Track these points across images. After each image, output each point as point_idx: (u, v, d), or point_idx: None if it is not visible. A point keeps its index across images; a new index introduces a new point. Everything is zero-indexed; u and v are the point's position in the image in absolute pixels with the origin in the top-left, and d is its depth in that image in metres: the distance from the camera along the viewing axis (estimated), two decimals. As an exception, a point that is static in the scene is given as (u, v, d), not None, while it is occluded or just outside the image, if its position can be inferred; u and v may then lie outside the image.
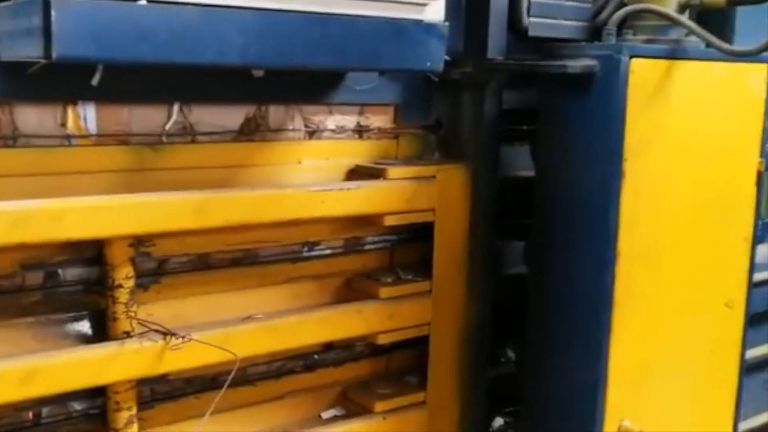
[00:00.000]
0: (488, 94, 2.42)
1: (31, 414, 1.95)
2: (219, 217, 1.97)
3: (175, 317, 2.10)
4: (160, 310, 2.08)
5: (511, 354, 2.88)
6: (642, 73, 2.12)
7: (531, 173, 2.69)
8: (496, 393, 2.79)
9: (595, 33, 2.63)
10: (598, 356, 2.27)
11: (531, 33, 2.50)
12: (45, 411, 1.98)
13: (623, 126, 2.10)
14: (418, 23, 1.96)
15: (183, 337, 1.93)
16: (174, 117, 2.10)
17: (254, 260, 2.25)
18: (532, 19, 2.50)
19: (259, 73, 2.11)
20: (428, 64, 2.00)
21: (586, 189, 2.19)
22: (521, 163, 2.73)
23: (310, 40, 1.79)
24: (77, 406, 2.02)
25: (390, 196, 2.27)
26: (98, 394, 1.99)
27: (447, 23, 2.01)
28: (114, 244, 1.90)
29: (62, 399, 1.96)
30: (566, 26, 2.58)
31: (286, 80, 2.22)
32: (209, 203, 1.95)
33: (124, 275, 1.92)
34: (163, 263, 2.10)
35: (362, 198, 2.21)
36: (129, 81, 1.97)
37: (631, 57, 2.09)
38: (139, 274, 2.04)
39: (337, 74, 2.29)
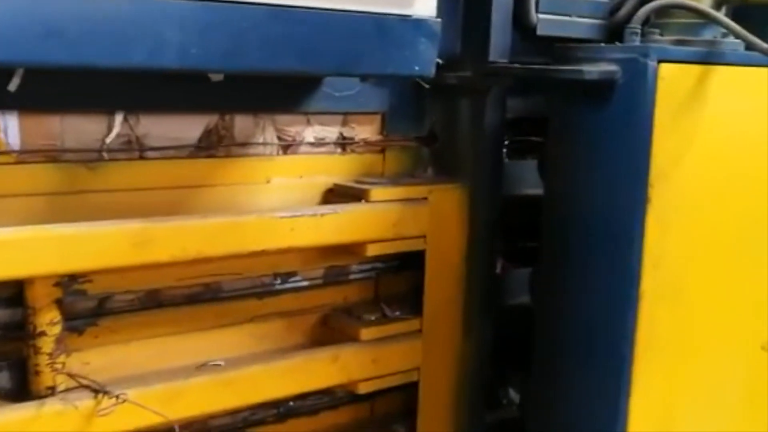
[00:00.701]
0: (490, 101, 2.08)
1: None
2: (164, 251, 1.63)
3: (116, 365, 1.77)
4: (98, 357, 1.76)
5: (513, 395, 2.56)
6: (672, 81, 1.78)
7: (537, 191, 2.38)
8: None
9: (612, 32, 2.30)
10: (616, 407, 1.94)
11: (540, 32, 2.16)
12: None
13: (649, 143, 1.77)
14: (405, 19, 1.63)
15: (117, 396, 1.59)
16: (116, 129, 1.77)
17: (213, 296, 1.93)
18: (541, 16, 2.16)
19: (217, 77, 1.78)
20: (416, 68, 1.66)
21: (604, 216, 1.85)
22: (525, 179, 2.40)
23: (268, 38, 1.45)
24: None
25: (373, 221, 1.93)
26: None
27: (439, 19, 1.67)
28: (35, 285, 1.57)
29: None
30: (580, 24, 2.24)
31: (255, 85, 1.89)
32: (152, 234, 1.61)
33: (49, 321, 1.59)
34: (102, 302, 1.78)
35: (339, 225, 1.88)
36: (60, 86, 1.64)
37: (660, 61, 1.75)
38: (71, 316, 1.72)
39: (312, 78, 1.95)
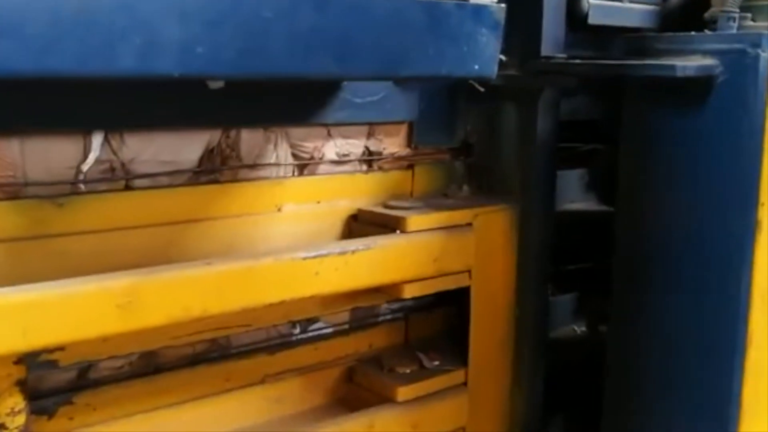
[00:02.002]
0: (542, 105, 1.73)
1: None
2: (159, 312, 1.25)
3: (98, 453, 1.40)
4: (75, 445, 1.38)
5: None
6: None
7: (584, 206, 2.05)
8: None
9: (665, 20, 1.97)
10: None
11: (591, 20, 1.82)
12: None
13: (760, 154, 1.43)
14: (462, 6, 1.27)
15: None
16: (95, 153, 1.39)
17: (221, 354, 1.57)
18: (591, 1, 1.81)
19: (217, 84, 1.39)
20: (476, 67, 1.30)
21: (702, 245, 1.51)
22: (569, 192, 2.07)
23: (297, 33, 1.08)
24: None
25: (411, 256, 1.57)
26: None
27: (503, 5, 1.32)
28: (-11, 364, 1.19)
29: None
30: (633, 11, 1.91)
31: (263, 93, 1.53)
32: (143, 291, 1.23)
33: (9, 410, 1.21)
34: (83, 373, 1.41)
35: (372, 263, 1.51)
36: (20, 101, 1.26)
37: (774, 53, 1.41)
38: (38, 395, 1.34)
39: (330, 83, 1.59)
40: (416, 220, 1.59)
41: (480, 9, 1.28)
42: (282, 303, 1.42)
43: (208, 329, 1.52)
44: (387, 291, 1.60)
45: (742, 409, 1.52)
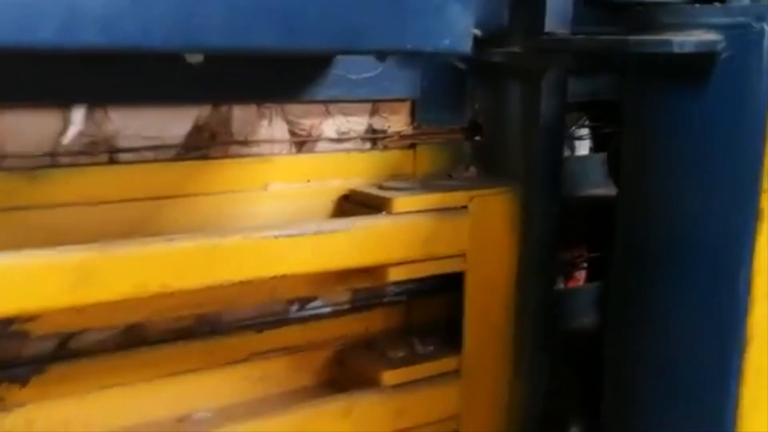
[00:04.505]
0: (547, 84, 1.64)
1: None
2: (115, 287, 1.25)
3: (69, 423, 1.42)
4: (47, 414, 1.40)
5: (575, 433, 2.14)
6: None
7: (601, 191, 1.96)
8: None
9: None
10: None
11: (602, -8, 1.71)
12: None
13: (763, 136, 1.31)
14: (429, -24, 1.21)
15: (54, 478, 1.23)
16: (76, 126, 1.40)
17: (204, 330, 1.56)
18: (604, -30, 1.70)
19: (196, 58, 1.37)
20: (446, 41, 1.23)
21: (697, 232, 1.40)
22: (589, 176, 1.98)
23: (234, 3, 1.05)
24: None
25: (396, 239, 1.52)
26: None
27: (474, -25, 1.25)
28: (-50, 331, 1.22)
29: None
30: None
31: (253, 69, 1.51)
32: (99, 265, 1.23)
33: (-29, 376, 1.24)
34: (60, 344, 1.43)
35: (352, 245, 1.47)
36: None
37: (780, 27, 1.29)
38: (11, 363, 1.36)
39: (319, 59, 1.55)
40: (403, 202, 1.54)
41: (448, -20, 1.22)
42: (256, 282, 1.40)
43: (191, 305, 1.51)
44: (372, 273, 1.55)
45: (741, 408, 1.42)
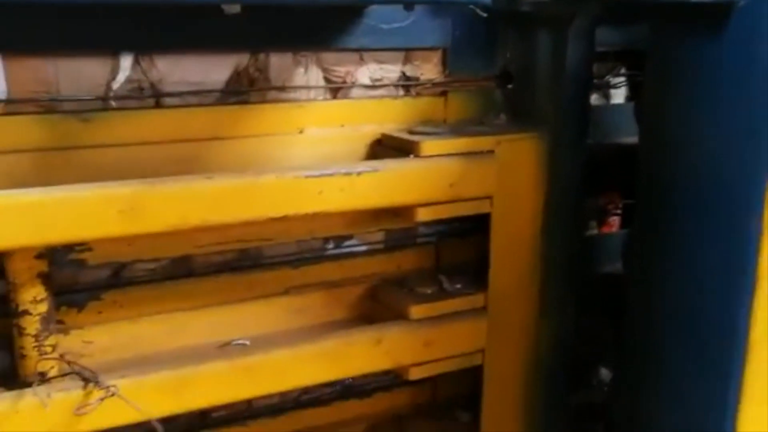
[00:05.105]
0: (573, 33, 1.69)
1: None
2: (158, 220, 1.37)
3: (122, 345, 1.56)
4: (102, 336, 1.55)
5: (605, 374, 2.22)
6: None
7: (633, 139, 2.00)
8: (585, 424, 2.16)
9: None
10: (723, 405, 1.57)
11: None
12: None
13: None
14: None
15: (107, 389, 1.36)
16: (125, 73, 1.52)
17: (253, 263, 1.69)
18: None
19: (233, 9, 1.48)
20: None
21: (715, 175, 1.45)
22: (619, 125, 2.02)
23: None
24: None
25: (424, 180, 1.61)
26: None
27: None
28: (14, 258, 1.35)
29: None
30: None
31: (292, 17, 1.60)
32: (144, 199, 1.35)
33: (32, 298, 1.38)
34: (114, 273, 1.57)
35: (381, 185, 1.56)
36: (54, 24, 1.40)
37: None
38: (70, 289, 1.51)
39: (351, 8, 1.62)
40: (431, 145, 1.62)
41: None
42: (291, 219, 1.51)
43: (232, 240, 1.63)
44: (400, 213, 1.64)
45: (750, 339, 1.48)
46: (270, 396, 1.73)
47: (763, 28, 1.35)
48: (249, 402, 1.73)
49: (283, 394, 1.77)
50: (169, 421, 1.45)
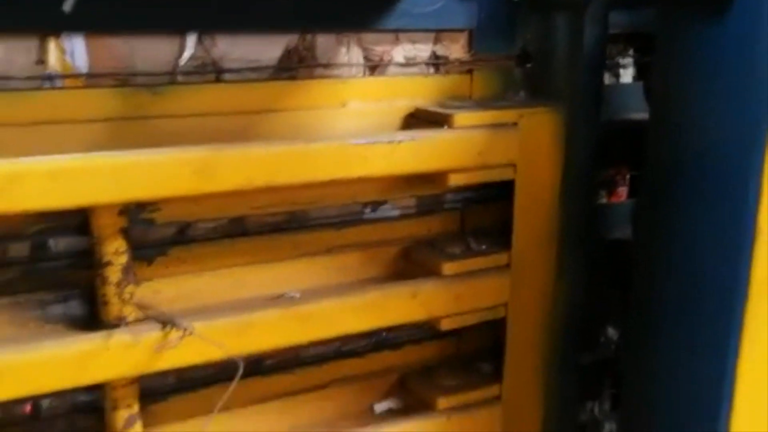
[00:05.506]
0: (589, 16, 1.87)
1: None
2: (228, 180, 1.55)
3: (187, 296, 1.73)
4: (169, 287, 1.72)
5: (612, 333, 2.40)
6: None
7: (641, 116, 2.17)
8: (593, 379, 2.35)
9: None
10: (723, 361, 1.75)
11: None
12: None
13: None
14: None
15: (184, 329, 1.55)
16: (190, 50, 1.69)
17: (299, 225, 1.86)
18: None
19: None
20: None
21: (716, 150, 1.63)
22: (630, 102, 2.20)
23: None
24: (76, 398, 1.70)
25: (456, 149, 1.79)
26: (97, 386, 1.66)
27: None
28: (99, 214, 1.53)
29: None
30: None
31: (336, 2, 1.77)
32: (214, 162, 1.53)
33: (114, 250, 1.55)
34: (179, 231, 1.74)
35: (418, 152, 1.74)
36: (127, 5, 1.57)
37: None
38: (141, 245, 1.68)
39: (389, -5, 1.81)
40: (462, 117, 1.80)
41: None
42: (337, 181, 1.69)
43: (286, 202, 1.81)
44: (434, 179, 1.82)
45: (748, 301, 1.66)
46: (314, 346, 1.92)
47: (763, 11, 1.52)
48: (297, 352, 1.91)
49: (325, 346, 1.95)
50: (230, 368, 1.64)
